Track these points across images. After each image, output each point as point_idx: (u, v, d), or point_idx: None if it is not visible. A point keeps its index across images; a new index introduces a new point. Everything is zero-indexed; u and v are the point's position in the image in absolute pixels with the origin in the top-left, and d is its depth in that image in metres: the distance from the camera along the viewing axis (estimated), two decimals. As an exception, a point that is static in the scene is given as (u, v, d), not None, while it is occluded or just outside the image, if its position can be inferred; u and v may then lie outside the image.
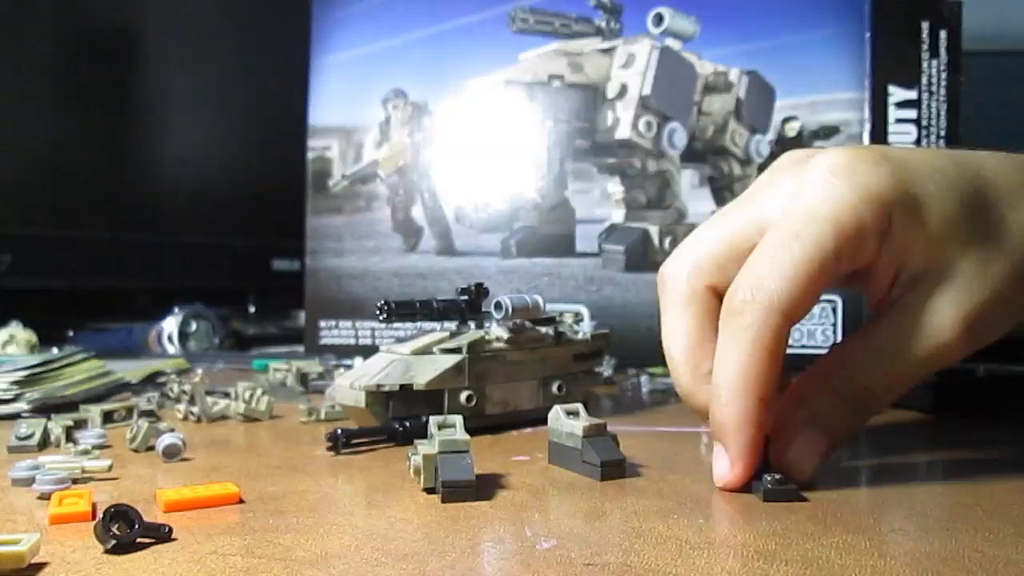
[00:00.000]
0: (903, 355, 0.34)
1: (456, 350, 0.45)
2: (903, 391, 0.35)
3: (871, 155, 0.34)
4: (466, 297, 0.48)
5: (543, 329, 0.49)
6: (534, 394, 0.48)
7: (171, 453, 0.39)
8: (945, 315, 0.33)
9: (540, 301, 0.48)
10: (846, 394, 0.34)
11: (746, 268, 0.34)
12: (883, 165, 0.34)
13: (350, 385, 0.44)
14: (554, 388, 0.49)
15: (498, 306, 0.46)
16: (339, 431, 0.41)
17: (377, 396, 0.43)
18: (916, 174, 0.34)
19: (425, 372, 0.44)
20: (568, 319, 0.52)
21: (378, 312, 0.45)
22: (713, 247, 0.37)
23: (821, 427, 0.34)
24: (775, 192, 0.36)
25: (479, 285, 0.48)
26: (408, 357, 0.45)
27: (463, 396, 0.45)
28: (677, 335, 0.37)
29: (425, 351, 0.45)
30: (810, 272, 0.32)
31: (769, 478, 0.32)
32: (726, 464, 0.33)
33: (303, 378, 0.62)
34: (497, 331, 0.47)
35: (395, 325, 0.72)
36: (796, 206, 0.34)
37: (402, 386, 0.44)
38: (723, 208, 0.39)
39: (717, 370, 0.34)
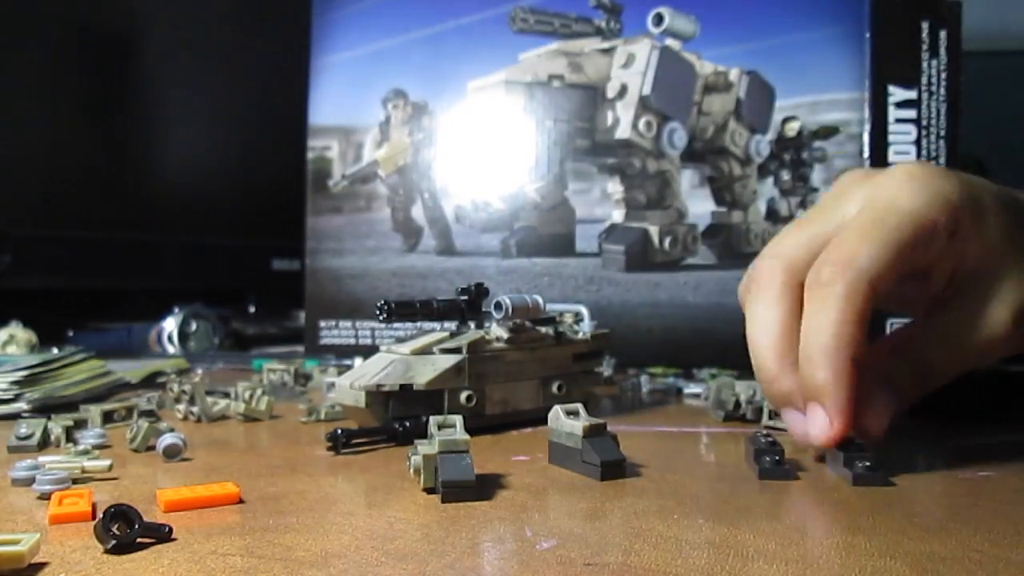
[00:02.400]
0: (963, 342, 0.38)
1: (456, 350, 0.45)
2: (960, 373, 0.39)
3: (941, 168, 0.39)
4: (466, 297, 0.48)
5: (543, 329, 0.49)
6: (534, 394, 0.48)
7: (171, 453, 0.39)
8: (1000, 311, 0.38)
9: (540, 301, 0.48)
10: (915, 366, 0.38)
11: (832, 246, 0.37)
12: (952, 177, 0.38)
13: (350, 385, 0.44)
14: (554, 388, 0.49)
15: (498, 306, 0.46)
16: (339, 431, 0.41)
17: (377, 396, 0.43)
18: (978, 189, 0.39)
19: (425, 372, 0.44)
20: (568, 319, 0.52)
21: (378, 312, 0.45)
22: (803, 245, 0.39)
23: (893, 390, 0.38)
24: (851, 199, 0.39)
25: (479, 285, 0.48)
26: (408, 357, 0.45)
27: (463, 396, 0.45)
28: (768, 325, 0.38)
29: (425, 351, 0.45)
30: (894, 249, 0.36)
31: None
32: (825, 422, 0.35)
33: (304, 378, 0.62)
34: (497, 331, 0.47)
35: (395, 325, 0.72)
36: (877, 202, 0.37)
37: (402, 386, 0.44)
38: (799, 218, 0.41)
39: (809, 338, 0.36)
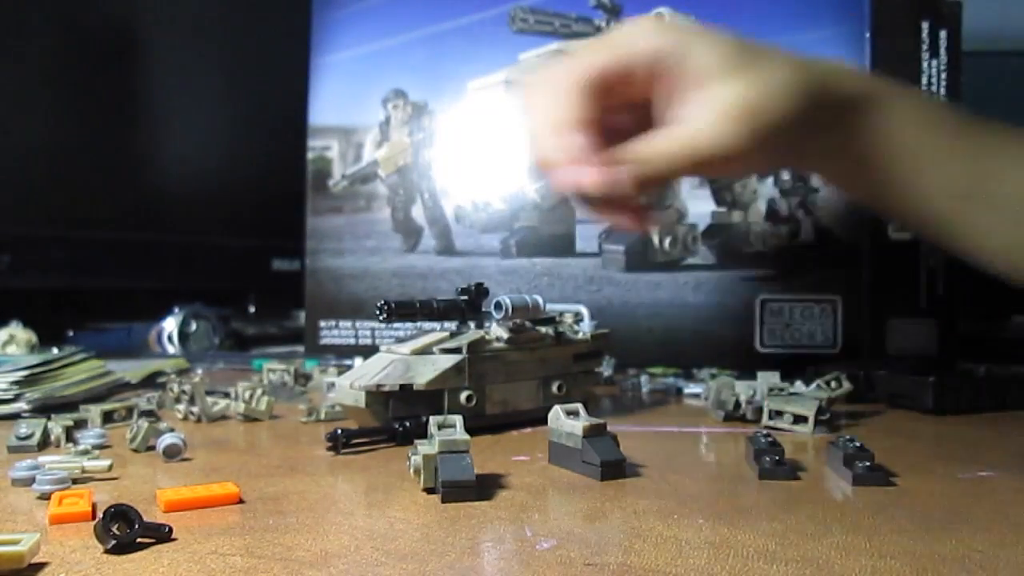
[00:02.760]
0: (675, 136, 0.44)
1: (456, 350, 0.45)
2: (678, 169, 0.45)
3: (660, 22, 0.47)
4: (466, 297, 0.48)
5: (543, 329, 0.49)
6: (534, 394, 0.48)
7: (172, 453, 0.39)
8: (705, 115, 0.44)
9: (540, 301, 0.48)
10: (634, 155, 0.44)
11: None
12: (668, 29, 0.46)
13: (350, 385, 0.44)
14: (554, 388, 0.49)
15: (498, 306, 0.46)
16: (339, 431, 0.41)
17: (377, 396, 0.43)
18: (693, 34, 0.46)
19: (425, 372, 0.44)
20: (568, 319, 0.52)
21: (378, 312, 0.45)
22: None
23: (621, 168, 0.43)
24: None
25: (479, 285, 0.48)
26: (408, 357, 0.45)
27: (463, 396, 0.45)
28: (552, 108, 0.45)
29: (425, 351, 0.45)
30: (601, 60, 0.44)
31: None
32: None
33: (304, 378, 0.62)
34: (497, 331, 0.47)
35: (395, 327, 0.72)
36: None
37: (402, 386, 0.44)
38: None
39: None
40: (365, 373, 0.44)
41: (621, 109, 0.48)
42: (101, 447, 0.41)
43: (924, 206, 0.51)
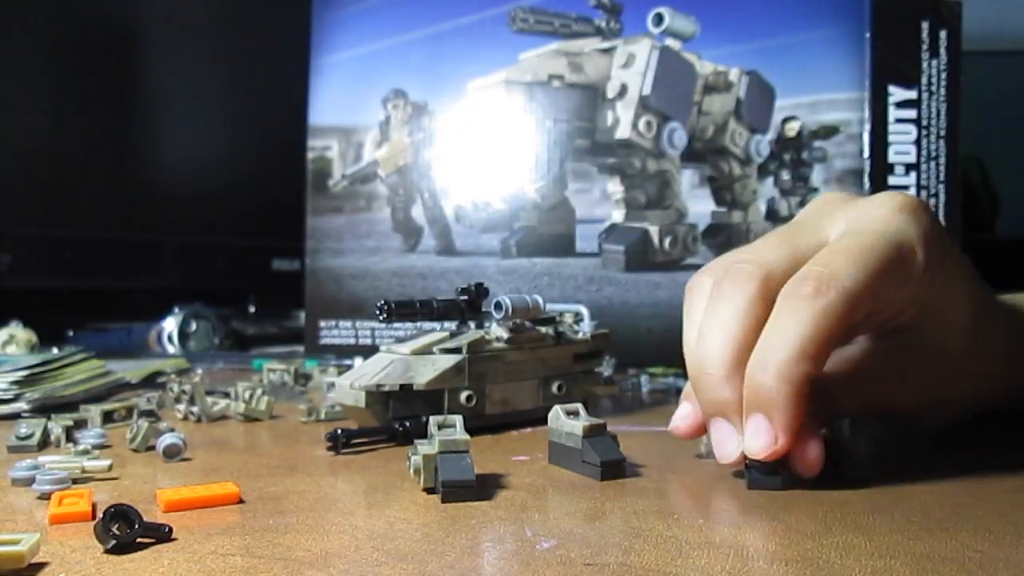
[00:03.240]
0: (910, 368, 0.38)
1: (456, 350, 0.45)
2: (898, 406, 0.38)
3: (920, 201, 0.39)
4: (466, 297, 0.48)
5: (543, 329, 0.49)
6: (534, 394, 0.48)
7: (172, 453, 0.39)
8: (950, 336, 0.38)
9: (540, 301, 0.48)
10: (860, 395, 0.38)
11: (816, 262, 0.35)
12: (930, 212, 0.38)
13: (350, 385, 0.44)
14: (554, 388, 0.49)
15: (498, 306, 0.46)
16: (339, 431, 0.41)
17: (377, 396, 0.43)
18: (943, 228, 0.39)
19: (425, 372, 0.44)
20: (568, 319, 0.52)
21: (378, 312, 0.45)
22: (784, 258, 0.37)
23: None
24: (833, 220, 0.39)
25: (479, 285, 0.48)
26: (408, 357, 0.45)
27: (463, 396, 0.45)
28: (730, 326, 0.36)
29: (425, 351, 0.45)
30: (877, 275, 0.34)
31: (756, 466, 0.33)
32: (769, 435, 0.33)
33: (304, 378, 0.62)
34: (497, 331, 0.47)
35: (395, 327, 0.72)
36: (864, 224, 0.37)
37: (402, 386, 0.44)
38: (777, 230, 0.40)
39: (772, 345, 0.34)
40: (365, 373, 0.44)
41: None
42: (101, 447, 0.41)
43: None
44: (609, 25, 0.72)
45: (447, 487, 0.32)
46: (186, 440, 0.39)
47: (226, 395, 0.52)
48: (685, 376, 0.62)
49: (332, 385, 0.54)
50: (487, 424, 0.46)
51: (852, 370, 0.39)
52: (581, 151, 0.72)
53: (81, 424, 0.45)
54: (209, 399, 0.50)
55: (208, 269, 0.98)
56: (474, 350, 0.45)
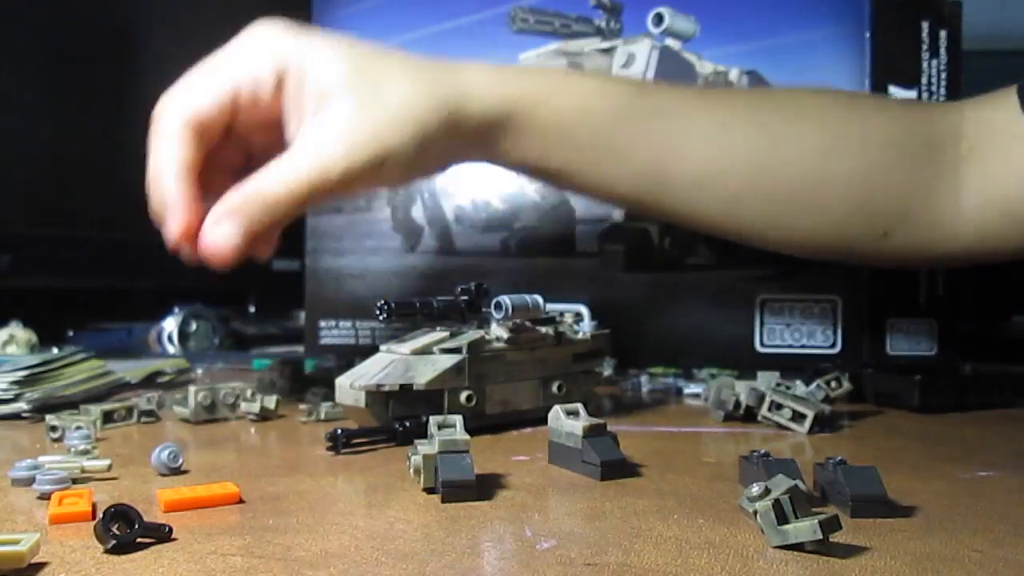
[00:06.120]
0: (297, 163, 0.44)
1: (456, 350, 0.45)
2: (302, 198, 0.45)
3: (289, 27, 0.47)
4: (466, 297, 0.48)
5: (543, 329, 0.49)
6: (534, 394, 0.48)
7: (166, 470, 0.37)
8: (327, 137, 0.44)
9: (540, 301, 0.48)
10: (254, 194, 0.45)
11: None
12: (288, 35, 0.46)
13: (350, 385, 0.44)
14: (554, 388, 0.49)
15: (498, 306, 0.46)
16: (339, 431, 0.41)
17: (377, 396, 0.43)
18: (316, 46, 0.45)
19: (425, 372, 0.44)
20: (568, 319, 0.52)
21: (378, 312, 0.45)
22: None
23: (233, 218, 0.44)
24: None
25: (479, 285, 0.48)
26: (408, 357, 0.45)
27: (463, 396, 0.45)
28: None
29: (425, 351, 0.45)
30: (211, 91, 0.45)
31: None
32: (173, 226, 0.45)
33: (299, 378, 0.62)
34: (497, 331, 0.47)
35: (395, 327, 0.72)
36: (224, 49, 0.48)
37: (402, 386, 0.44)
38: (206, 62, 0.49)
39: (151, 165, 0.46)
40: (365, 373, 0.44)
41: (257, 130, 0.47)
42: (87, 452, 0.40)
43: (611, 194, 0.55)
44: (609, 25, 0.72)
45: (447, 487, 0.32)
46: (179, 451, 0.38)
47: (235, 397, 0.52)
48: (685, 376, 0.62)
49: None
50: (487, 424, 0.46)
51: None
52: (581, 151, 0.72)
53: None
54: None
55: (208, 269, 0.98)
56: (474, 350, 0.45)
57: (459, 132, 0.48)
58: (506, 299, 0.46)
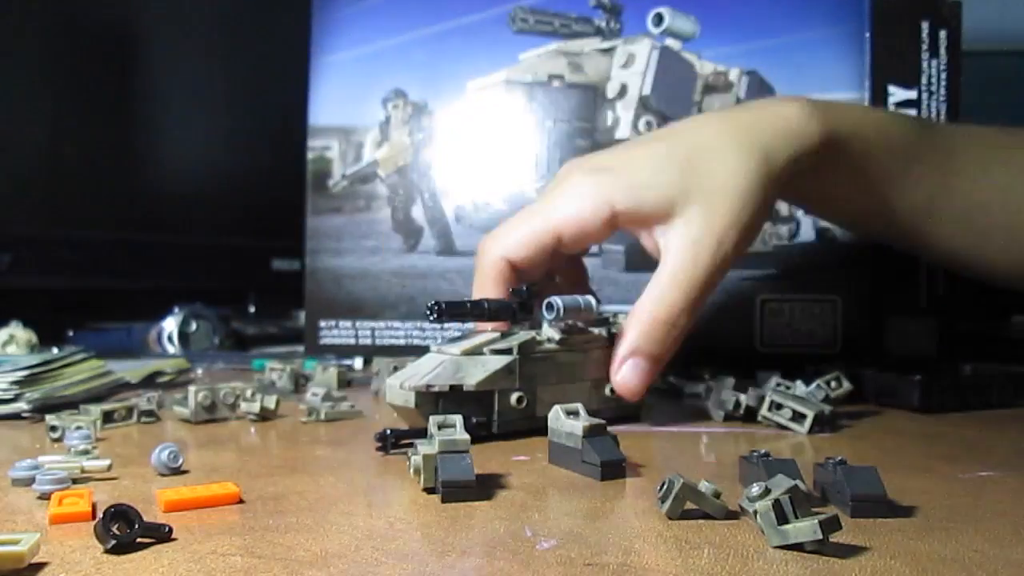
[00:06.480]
0: (678, 284, 0.46)
1: (507, 351, 0.45)
2: (695, 311, 0.47)
3: (593, 164, 0.50)
4: (518, 298, 0.47)
5: (596, 330, 0.49)
6: (586, 396, 0.47)
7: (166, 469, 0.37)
8: (690, 250, 0.46)
9: (593, 302, 0.47)
10: (652, 324, 0.46)
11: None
12: (603, 173, 0.48)
13: (400, 385, 0.43)
14: (607, 390, 0.48)
15: (549, 307, 0.46)
16: (388, 431, 0.40)
17: (427, 396, 0.43)
18: (633, 168, 0.48)
19: (475, 373, 0.44)
20: (621, 320, 0.51)
21: (428, 312, 0.44)
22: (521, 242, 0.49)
23: (639, 354, 0.46)
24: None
25: (531, 286, 0.48)
26: (459, 358, 0.44)
27: (514, 398, 0.45)
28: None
29: (475, 352, 0.45)
30: (528, 235, 0.48)
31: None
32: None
33: (303, 378, 0.62)
34: (548, 332, 0.47)
35: (395, 327, 0.72)
36: (541, 198, 0.51)
37: (452, 387, 0.43)
38: (526, 208, 0.51)
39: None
40: (415, 373, 0.44)
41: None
42: (87, 451, 0.40)
43: (890, 225, 0.55)
44: (609, 25, 0.72)
45: (447, 487, 0.32)
46: (178, 451, 0.38)
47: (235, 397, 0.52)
48: (685, 376, 0.62)
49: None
50: (540, 425, 0.45)
51: None
52: (581, 151, 0.72)
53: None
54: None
55: (208, 269, 0.98)
56: (525, 351, 0.45)
57: (784, 185, 0.49)
58: (558, 300, 0.46)
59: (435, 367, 0.44)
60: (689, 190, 0.46)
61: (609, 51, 0.72)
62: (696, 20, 0.71)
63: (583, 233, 0.48)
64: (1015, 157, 0.54)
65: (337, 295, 0.73)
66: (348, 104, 0.75)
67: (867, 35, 0.68)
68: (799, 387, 0.49)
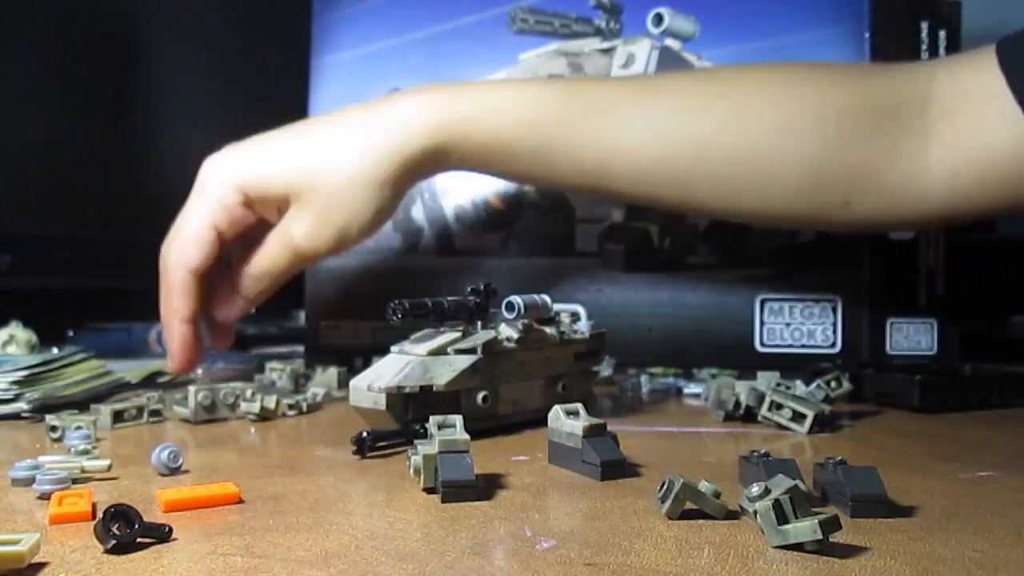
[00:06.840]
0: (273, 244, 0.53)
1: (471, 350, 0.45)
2: (285, 268, 0.54)
3: (231, 149, 0.56)
4: (475, 297, 0.47)
5: (548, 329, 0.49)
6: (541, 393, 0.48)
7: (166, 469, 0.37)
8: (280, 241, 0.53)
9: (548, 301, 0.48)
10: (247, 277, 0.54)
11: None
12: (235, 154, 0.55)
13: (367, 387, 0.43)
14: (559, 387, 0.48)
15: (510, 306, 0.46)
16: (364, 434, 0.40)
17: (397, 398, 0.43)
18: (259, 155, 0.55)
19: (444, 373, 0.44)
20: (566, 319, 0.52)
21: (391, 312, 0.44)
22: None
23: (241, 294, 0.54)
24: None
25: (487, 285, 0.48)
26: (425, 358, 0.44)
27: (479, 396, 0.45)
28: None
29: (440, 351, 0.45)
30: (195, 241, 0.52)
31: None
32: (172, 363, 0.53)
33: (303, 378, 0.62)
34: (506, 331, 0.47)
35: (395, 327, 0.72)
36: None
37: (422, 387, 0.43)
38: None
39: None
40: (381, 375, 0.44)
41: (255, 226, 0.54)
42: (87, 451, 0.40)
43: (561, 188, 0.60)
44: (609, 25, 0.72)
45: (447, 487, 0.32)
46: (178, 451, 0.38)
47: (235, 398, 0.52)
48: (685, 376, 0.62)
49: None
50: (500, 424, 0.46)
51: None
52: (581, 151, 0.72)
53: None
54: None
55: (208, 269, 0.98)
56: (488, 350, 0.45)
57: (405, 174, 0.52)
58: (518, 299, 0.46)
59: (403, 368, 0.44)
60: (300, 188, 0.52)
61: (609, 51, 0.72)
62: (696, 20, 0.71)
63: (230, 220, 0.53)
64: (702, 101, 0.55)
65: (337, 295, 0.73)
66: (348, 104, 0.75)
67: (867, 35, 0.68)
68: (799, 387, 0.49)
